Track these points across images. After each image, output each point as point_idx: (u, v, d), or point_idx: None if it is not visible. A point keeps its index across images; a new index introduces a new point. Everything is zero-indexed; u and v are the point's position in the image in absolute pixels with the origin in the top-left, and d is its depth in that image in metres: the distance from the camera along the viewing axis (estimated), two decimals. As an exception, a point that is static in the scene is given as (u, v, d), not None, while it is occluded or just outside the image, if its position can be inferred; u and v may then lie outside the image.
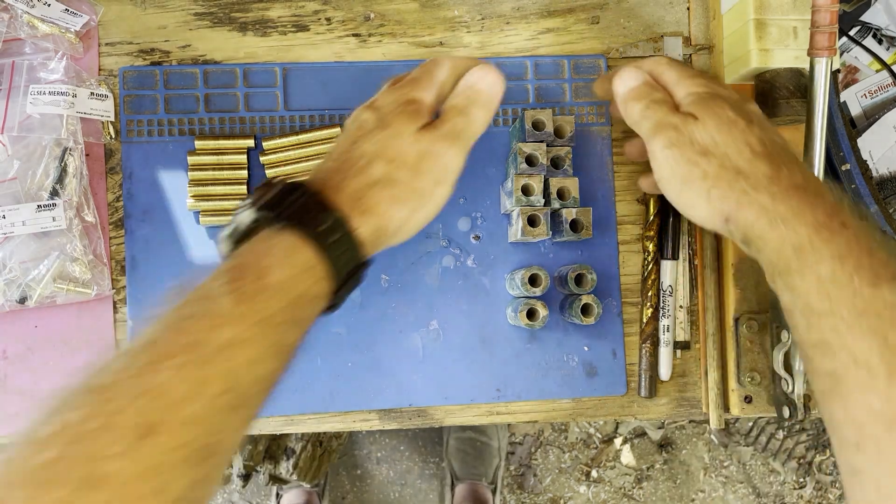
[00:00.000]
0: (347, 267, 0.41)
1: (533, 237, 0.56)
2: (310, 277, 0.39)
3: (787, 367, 0.57)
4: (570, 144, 0.59)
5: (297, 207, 0.40)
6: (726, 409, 0.61)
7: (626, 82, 0.51)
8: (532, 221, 0.57)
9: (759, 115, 0.49)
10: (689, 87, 0.49)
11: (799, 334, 0.42)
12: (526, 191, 0.56)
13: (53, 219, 0.56)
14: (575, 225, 0.57)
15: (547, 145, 0.57)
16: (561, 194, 0.57)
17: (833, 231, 0.41)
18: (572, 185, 0.57)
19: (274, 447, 1.42)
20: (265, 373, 0.37)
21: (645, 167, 0.60)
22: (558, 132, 0.58)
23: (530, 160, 0.57)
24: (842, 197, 0.44)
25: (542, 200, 0.57)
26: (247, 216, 0.41)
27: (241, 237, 0.41)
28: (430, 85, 0.47)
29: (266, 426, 0.60)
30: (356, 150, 0.44)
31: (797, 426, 1.47)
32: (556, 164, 0.58)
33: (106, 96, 0.59)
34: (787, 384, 0.57)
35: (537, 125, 0.57)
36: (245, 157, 0.60)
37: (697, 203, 0.46)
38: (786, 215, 0.42)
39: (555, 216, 0.59)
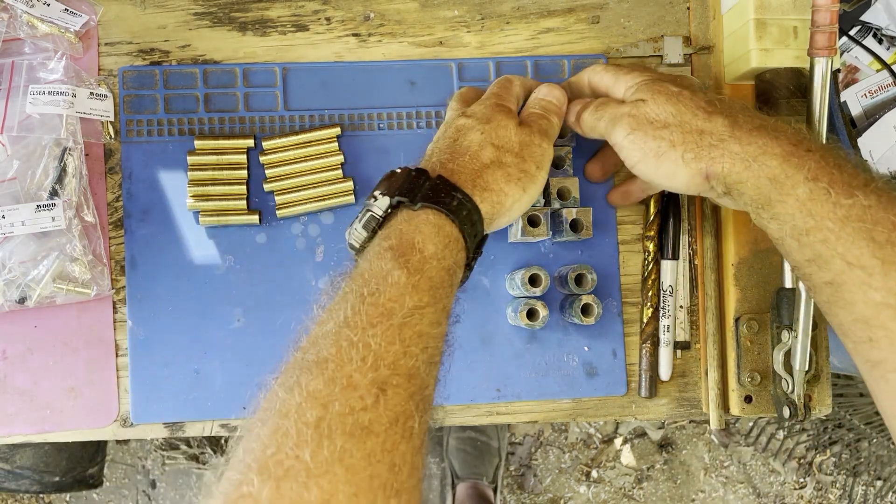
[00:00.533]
0: (476, 239, 0.47)
1: (533, 237, 0.56)
2: (455, 248, 0.45)
3: (788, 367, 0.57)
4: (570, 144, 0.59)
5: (430, 189, 0.45)
6: (726, 409, 0.61)
7: (572, 109, 0.56)
8: (532, 221, 0.57)
9: (699, 84, 0.55)
10: (627, 82, 0.53)
11: (793, 258, 0.46)
12: None
13: (53, 219, 0.56)
14: (575, 225, 0.57)
15: None
16: (561, 194, 0.57)
17: (801, 157, 0.45)
18: (572, 185, 0.58)
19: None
20: (442, 332, 0.42)
21: (614, 186, 0.62)
22: (560, 131, 0.58)
23: None
24: (799, 128, 0.48)
25: (542, 200, 0.57)
26: (383, 202, 0.46)
27: (379, 224, 0.46)
28: (511, 96, 0.54)
29: (266, 426, 0.60)
30: (464, 141, 0.50)
31: (797, 426, 1.46)
32: (556, 164, 0.58)
33: (105, 96, 0.59)
34: (787, 384, 0.57)
35: None
36: (245, 157, 0.60)
37: (676, 171, 0.49)
38: (755, 154, 0.46)
39: (555, 216, 0.59)
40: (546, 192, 0.58)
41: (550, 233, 0.57)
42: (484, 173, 0.48)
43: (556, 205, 0.58)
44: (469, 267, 0.47)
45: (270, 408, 0.36)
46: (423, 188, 0.46)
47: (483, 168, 0.48)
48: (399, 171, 0.48)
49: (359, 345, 0.38)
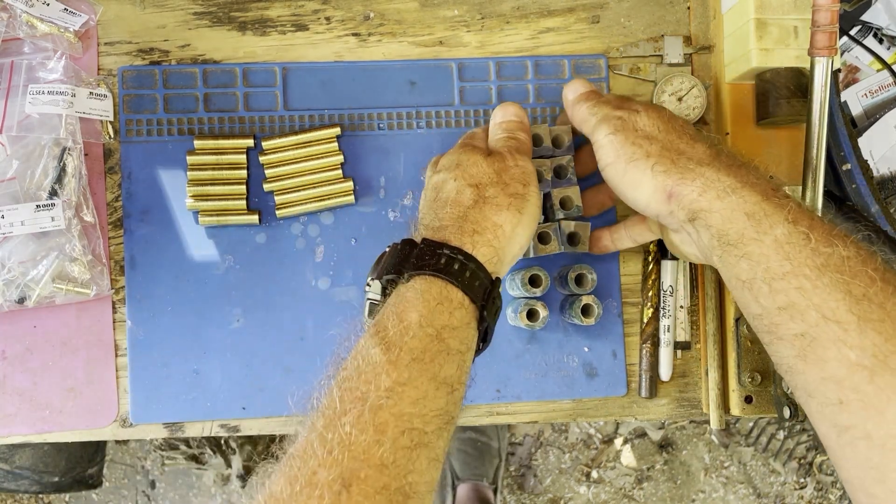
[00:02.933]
0: (480, 289, 0.43)
1: (547, 253, 0.55)
2: (446, 308, 0.41)
3: (788, 367, 0.57)
4: (570, 153, 0.57)
5: (416, 257, 0.43)
6: (727, 409, 0.61)
7: (576, 89, 0.55)
8: (542, 239, 0.55)
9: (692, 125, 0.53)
10: (630, 103, 0.53)
11: (760, 303, 0.42)
12: None
13: (52, 219, 0.56)
14: (572, 239, 0.56)
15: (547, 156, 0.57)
16: (564, 204, 0.56)
17: (781, 199, 0.43)
18: (574, 193, 0.56)
19: (274, 447, 1.42)
20: (434, 408, 0.38)
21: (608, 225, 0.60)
22: (556, 143, 0.57)
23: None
24: (773, 177, 0.47)
25: (542, 217, 0.55)
26: (376, 287, 0.44)
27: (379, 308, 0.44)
28: (476, 139, 0.54)
29: (266, 426, 0.60)
30: (442, 196, 0.48)
31: (798, 426, 1.46)
32: (559, 173, 0.57)
33: (105, 96, 0.59)
34: (788, 384, 0.57)
35: (536, 140, 0.56)
36: (244, 156, 0.60)
37: (641, 181, 0.47)
38: (734, 185, 0.43)
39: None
40: (546, 207, 0.56)
41: (562, 247, 0.56)
42: (469, 216, 0.45)
43: (560, 215, 0.56)
44: (483, 319, 0.44)
45: None
46: (411, 258, 0.44)
47: (467, 212, 0.46)
48: (388, 248, 0.46)
49: (327, 436, 0.35)
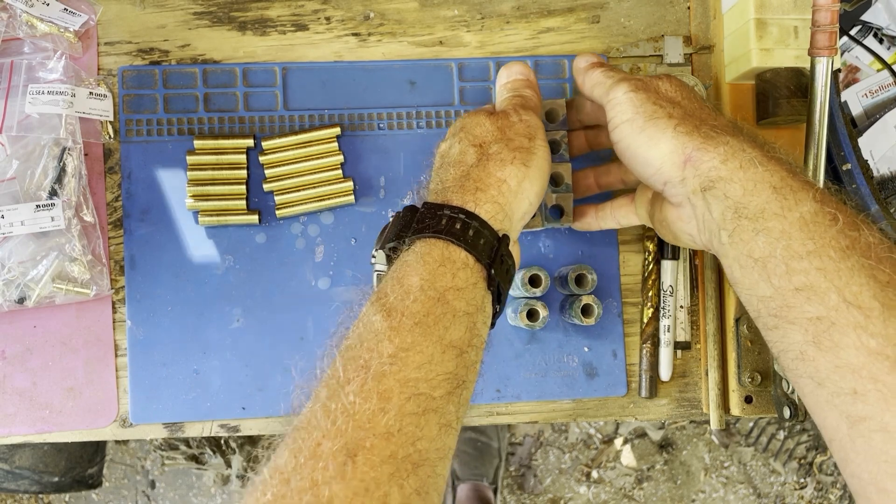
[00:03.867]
0: (486, 248, 0.42)
1: (531, 228, 0.55)
2: (449, 269, 0.40)
3: (788, 367, 0.57)
4: (562, 129, 0.56)
5: (416, 221, 0.42)
6: (727, 409, 0.61)
7: (588, 59, 0.53)
8: None
9: None
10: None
11: (773, 284, 0.39)
12: None
13: (52, 219, 0.56)
14: (556, 211, 0.55)
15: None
16: (554, 181, 0.56)
17: (805, 179, 0.41)
18: (566, 170, 0.55)
19: (267, 441, 1.42)
20: (441, 371, 0.37)
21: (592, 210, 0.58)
22: (550, 116, 0.56)
23: None
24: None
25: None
26: (381, 256, 0.43)
27: None
28: (485, 106, 0.52)
29: (266, 426, 0.60)
30: (447, 159, 0.47)
31: (798, 427, 1.46)
32: (552, 148, 0.55)
33: (105, 96, 0.59)
34: (788, 384, 0.57)
35: None
36: (244, 156, 0.60)
37: (661, 139, 0.44)
38: (760, 158, 0.41)
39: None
40: None
41: (545, 223, 0.55)
42: (472, 174, 0.44)
43: (549, 191, 0.55)
44: (491, 278, 0.42)
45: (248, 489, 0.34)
46: (413, 223, 0.43)
47: (470, 170, 0.44)
48: (392, 217, 0.45)
49: (331, 406, 0.34)
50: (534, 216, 0.53)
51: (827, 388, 0.37)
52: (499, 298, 0.43)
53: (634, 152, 0.46)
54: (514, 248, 0.47)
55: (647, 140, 0.45)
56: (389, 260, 0.43)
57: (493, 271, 0.42)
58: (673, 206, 0.47)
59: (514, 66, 0.53)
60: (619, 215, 0.55)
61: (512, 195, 0.44)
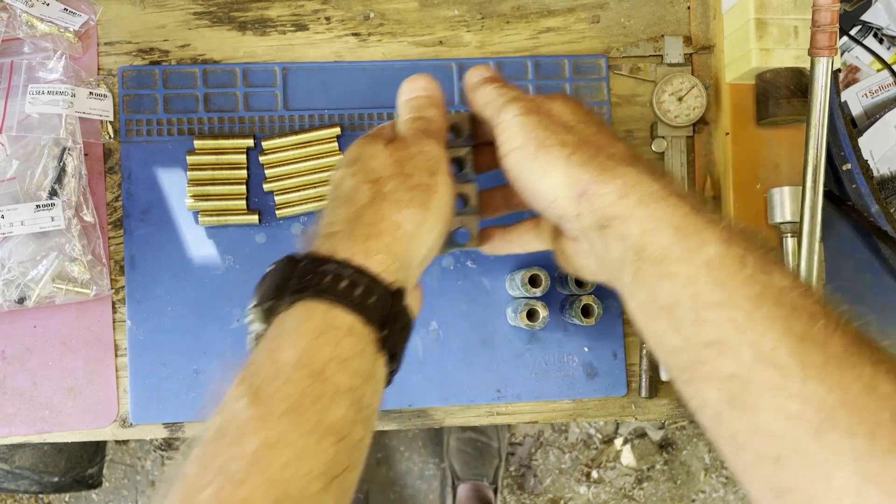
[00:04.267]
0: (377, 305, 0.36)
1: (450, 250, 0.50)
2: (332, 338, 0.35)
3: (788, 367, 0.57)
4: (468, 144, 0.50)
5: (297, 276, 0.37)
6: (727, 409, 0.61)
7: (480, 73, 0.47)
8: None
9: None
10: (543, 94, 0.47)
11: (683, 334, 0.35)
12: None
13: (52, 219, 0.56)
14: (459, 234, 0.49)
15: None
16: (460, 201, 0.49)
17: (711, 214, 0.37)
18: (471, 190, 0.48)
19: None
20: (317, 465, 0.32)
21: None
22: (455, 131, 0.50)
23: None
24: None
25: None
26: (256, 316, 0.38)
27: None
28: (384, 128, 0.46)
29: (265, 427, 0.60)
30: (339, 193, 0.41)
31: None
32: (459, 164, 0.49)
33: (105, 96, 0.59)
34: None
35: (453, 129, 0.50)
36: (244, 156, 0.60)
37: (553, 169, 0.39)
38: (661, 192, 0.37)
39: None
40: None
41: (447, 248, 0.49)
42: (364, 217, 0.39)
43: (454, 213, 0.47)
44: (385, 340, 0.37)
45: None
46: (293, 278, 0.37)
47: (361, 211, 0.39)
48: (272, 266, 0.39)
49: None
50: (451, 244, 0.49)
51: (748, 452, 0.33)
52: (393, 357, 0.38)
53: (525, 183, 0.42)
54: (415, 293, 0.43)
55: (538, 170, 0.40)
56: (267, 319, 0.38)
57: (385, 332, 0.37)
58: (571, 240, 0.44)
59: (416, 81, 0.46)
60: (524, 240, 0.50)
61: (409, 241, 0.39)
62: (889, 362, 0.32)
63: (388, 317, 0.37)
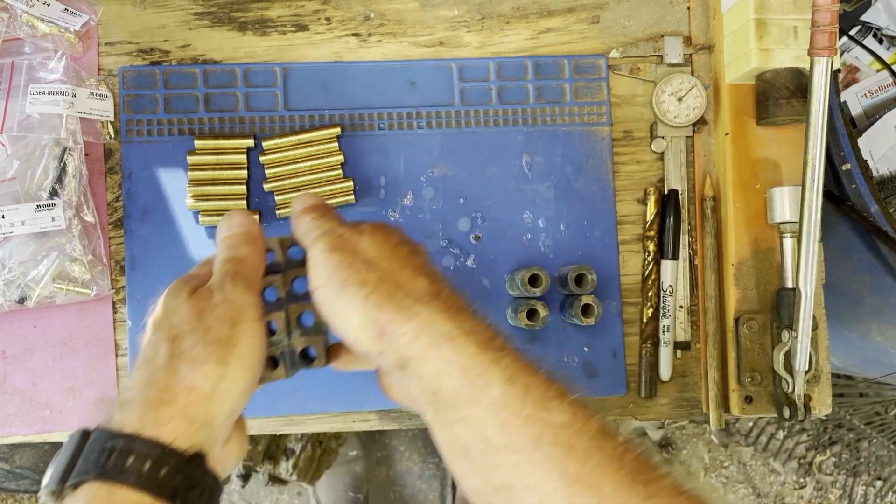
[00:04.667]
0: (170, 477, 0.35)
1: (273, 380, 0.46)
2: None
3: (788, 367, 0.57)
4: (280, 270, 0.48)
5: (85, 454, 0.35)
6: (726, 409, 0.61)
7: (304, 201, 0.47)
8: (266, 363, 0.46)
9: (425, 253, 0.47)
10: (359, 223, 0.47)
11: (478, 478, 0.37)
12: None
13: (53, 219, 0.56)
14: (305, 355, 0.47)
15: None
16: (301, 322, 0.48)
17: (498, 350, 0.38)
18: (314, 310, 0.46)
19: (273, 447, 1.42)
20: None
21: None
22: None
23: None
24: (491, 322, 0.42)
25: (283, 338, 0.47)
26: (46, 499, 0.35)
27: None
28: (200, 268, 0.46)
29: (266, 426, 0.60)
30: (141, 355, 0.41)
31: (797, 426, 1.46)
32: (297, 288, 0.48)
33: (105, 96, 0.59)
34: (788, 384, 0.57)
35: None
36: (245, 156, 0.60)
37: (352, 310, 0.40)
38: (451, 332, 0.38)
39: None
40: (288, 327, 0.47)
41: (290, 372, 0.47)
42: (157, 381, 0.38)
43: (297, 334, 0.47)
44: None
45: None
46: (80, 458, 0.35)
47: (156, 375, 0.38)
48: (66, 440, 0.37)
49: None
50: (276, 367, 0.46)
51: None
52: None
53: (331, 321, 0.42)
54: (230, 446, 0.42)
55: (340, 310, 0.41)
56: (58, 502, 0.36)
57: (178, 501, 0.35)
58: (384, 374, 0.45)
59: (232, 217, 0.46)
60: (360, 358, 0.48)
61: (207, 402, 0.38)
62: (661, 496, 0.33)
63: (182, 486, 0.36)
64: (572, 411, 0.36)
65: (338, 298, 0.41)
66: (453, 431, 0.37)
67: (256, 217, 0.46)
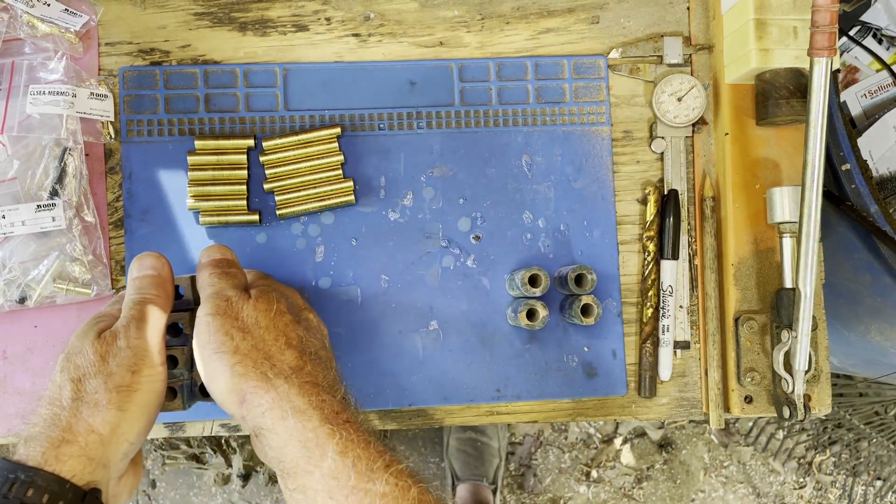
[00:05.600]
0: (76, 500, 0.39)
1: (172, 410, 0.51)
2: None
3: (788, 367, 0.57)
4: (189, 307, 0.52)
5: None
6: (726, 409, 0.61)
7: (210, 254, 0.51)
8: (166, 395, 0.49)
9: (313, 323, 0.51)
10: (258, 281, 0.51)
11: None
12: None
13: (53, 219, 0.56)
14: (205, 390, 0.52)
15: None
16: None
17: (337, 425, 0.41)
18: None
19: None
20: None
21: None
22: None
23: None
24: (347, 396, 0.45)
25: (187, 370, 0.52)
26: None
27: None
28: (111, 306, 0.49)
29: (266, 426, 0.60)
30: (47, 392, 0.43)
31: (797, 426, 1.46)
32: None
33: (106, 96, 0.59)
34: (788, 384, 0.57)
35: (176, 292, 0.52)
36: (245, 157, 0.60)
37: (221, 375, 0.43)
38: (299, 407, 0.42)
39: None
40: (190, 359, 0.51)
41: (188, 404, 0.52)
42: (61, 421, 0.41)
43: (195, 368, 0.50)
44: None
45: None
46: None
47: (60, 414, 0.41)
48: None
49: None
50: (175, 397, 0.51)
51: None
52: None
53: (204, 379, 0.45)
54: (124, 481, 0.45)
55: (212, 372, 0.44)
56: None
57: None
58: (252, 435, 0.47)
59: (144, 259, 0.49)
60: None
61: (105, 444, 0.41)
62: None
63: None
64: (395, 482, 0.40)
65: (210, 361, 0.44)
66: (294, 499, 0.41)
67: (165, 261, 0.49)
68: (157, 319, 0.46)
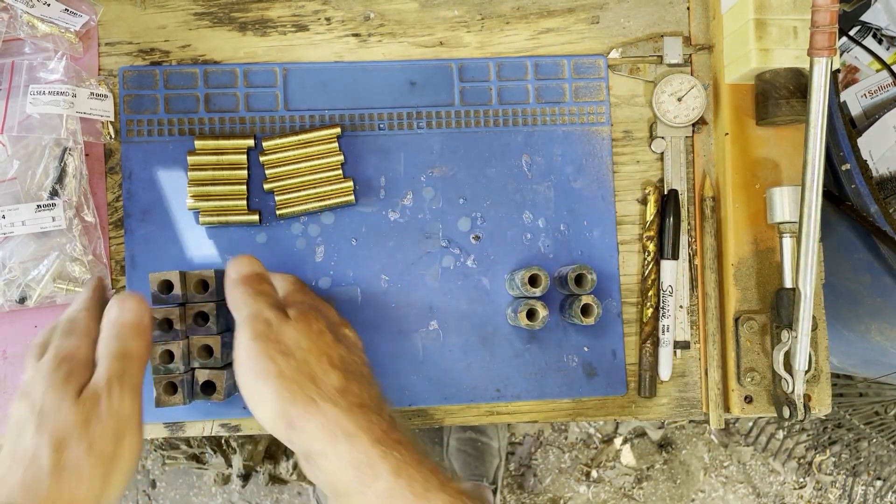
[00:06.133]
0: None
1: (171, 405, 0.52)
2: None
3: (788, 367, 0.57)
4: (212, 299, 0.53)
5: None
6: (726, 409, 0.61)
7: (239, 268, 0.49)
8: (167, 389, 0.52)
9: (351, 339, 0.50)
10: (296, 297, 0.50)
11: None
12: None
13: (53, 219, 0.56)
14: (206, 388, 0.53)
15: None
16: (203, 353, 0.53)
17: (388, 446, 0.42)
18: (214, 343, 0.52)
19: (274, 447, 1.42)
20: None
21: None
22: (204, 286, 0.53)
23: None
24: (393, 414, 0.45)
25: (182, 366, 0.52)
26: None
27: None
28: (77, 336, 0.45)
29: (266, 426, 0.60)
30: (18, 448, 0.41)
31: (797, 426, 1.46)
32: (200, 320, 0.53)
33: (106, 96, 0.59)
34: (788, 384, 0.57)
35: (167, 287, 0.52)
36: (245, 157, 0.60)
37: (266, 401, 0.43)
38: (350, 430, 0.42)
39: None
40: (185, 355, 0.52)
41: (188, 400, 0.52)
42: (40, 490, 0.39)
43: (197, 364, 0.52)
44: None
45: None
46: None
47: (40, 484, 0.39)
48: None
49: None
50: (175, 392, 0.51)
51: None
52: None
53: (248, 404, 0.45)
54: None
55: (257, 397, 0.44)
56: None
57: None
58: (300, 458, 0.47)
59: (126, 302, 0.46)
60: None
61: None
62: None
63: None
64: (450, 500, 0.40)
65: (254, 385, 0.44)
66: None
67: (146, 306, 0.47)
68: (138, 376, 0.45)
